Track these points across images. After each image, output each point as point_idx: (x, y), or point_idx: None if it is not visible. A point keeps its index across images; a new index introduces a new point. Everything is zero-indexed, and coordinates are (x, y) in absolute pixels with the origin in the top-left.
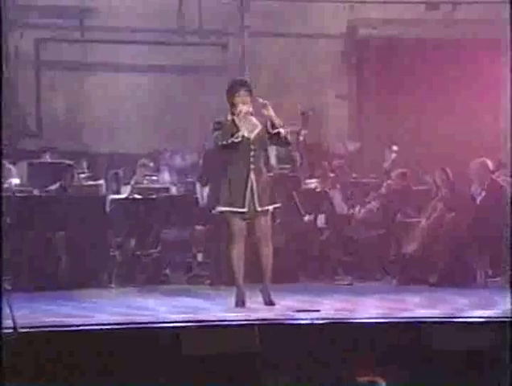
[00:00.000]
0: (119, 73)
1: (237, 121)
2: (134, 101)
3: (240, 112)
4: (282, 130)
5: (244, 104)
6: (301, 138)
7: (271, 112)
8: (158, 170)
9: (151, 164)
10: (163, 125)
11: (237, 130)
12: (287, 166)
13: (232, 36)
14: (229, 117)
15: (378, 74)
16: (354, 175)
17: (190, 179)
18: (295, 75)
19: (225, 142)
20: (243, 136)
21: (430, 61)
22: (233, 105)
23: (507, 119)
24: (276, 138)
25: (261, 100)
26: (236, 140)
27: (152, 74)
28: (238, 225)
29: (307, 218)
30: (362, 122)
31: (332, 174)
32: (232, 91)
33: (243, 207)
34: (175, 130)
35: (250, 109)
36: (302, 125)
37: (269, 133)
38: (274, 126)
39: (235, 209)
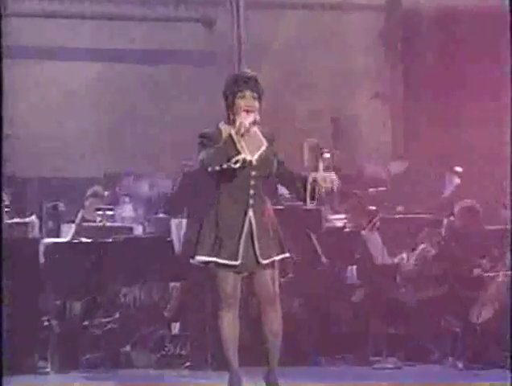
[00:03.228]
0: (56, 61)
1: (234, 136)
2: (80, 103)
3: (240, 126)
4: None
5: (248, 111)
6: (326, 156)
7: None
8: (116, 202)
9: (106, 193)
10: (122, 138)
11: (236, 151)
12: None
13: (221, 8)
14: (223, 127)
15: (433, 63)
16: (400, 209)
17: (162, 215)
18: (313, 66)
19: (217, 168)
20: (244, 160)
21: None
22: (231, 111)
23: None
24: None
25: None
26: (234, 165)
27: (107, 63)
28: (230, 283)
29: (331, 270)
30: (410, 133)
31: (367, 207)
32: (231, 90)
33: (235, 259)
34: (141, 145)
35: (257, 118)
36: (332, 136)
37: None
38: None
39: (224, 261)
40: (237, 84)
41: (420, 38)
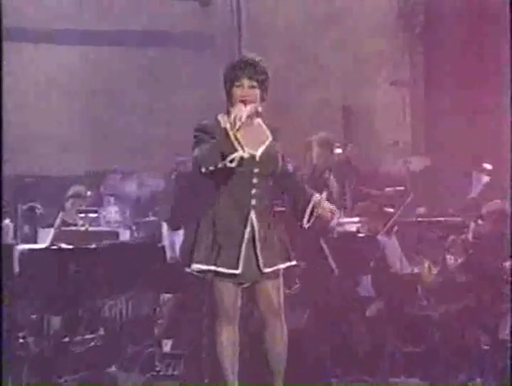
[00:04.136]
0: (33, 43)
1: (229, 130)
2: (60, 90)
3: (235, 119)
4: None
5: (245, 102)
6: (337, 151)
7: None
8: (100, 203)
9: (89, 193)
10: (108, 131)
11: (233, 148)
12: None
13: None
14: (223, 119)
15: (458, 48)
16: (421, 211)
17: (152, 218)
18: (323, 50)
19: (212, 168)
20: (242, 158)
21: None
22: (230, 102)
23: None
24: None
25: None
26: (230, 164)
27: (91, 46)
28: (230, 295)
29: (342, 281)
30: (432, 125)
31: (384, 210)
32: (229, 77)
33: (235, 267)
34: (129, 139)
35: (259, 109)
36: (344, 128)
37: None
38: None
39: (222, 269)
40: (234, 71)
41: (443, 19)
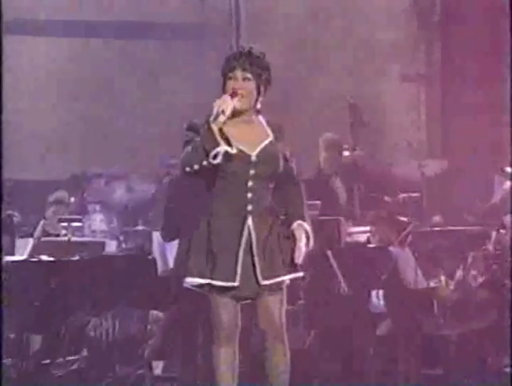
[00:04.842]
0: (15, 35)
1: (211, 123)
2: (42, 85)
3: (218, 111)
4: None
5: (236, 94)
6: (344, 153)
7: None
8: (84, 211)
9: (72, 199)
10: (94, 130)
11: (216, 143)
12: (317, 201)
13: None
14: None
15: (478, 39)
16: (437, 219)
17: (142, 227)
18: (328, 41)
19: (196, 166)
20: (227, 153)
21: None
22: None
23: None
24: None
25: None
26: (213, 161)
27: (79, 38)
28: (228, 311)
29: (351, 296)
30: (450, 125)
31: (397, 218)
32: (223, 70)
33: (233, 279)
34: (117, 139)
35: (258, 106)
36: (351, 128)
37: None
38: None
39: (219, 283)
40: (228, 63)
41: (463, 6)
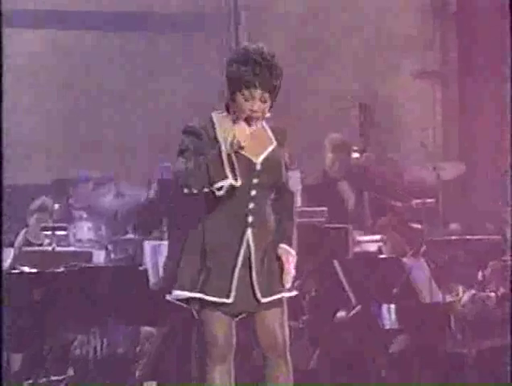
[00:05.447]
0: None
1: (223, 152)
2: (22, 81)
3: (232, 143)
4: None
5: (251, 119)
6: (354, 155)
7: None
8: (69, 219)
9: (56, 206)
10: (80, 131)
11: (224, 173)
12: (324, 208)
13: None
14: (219, 119)
15: (499, 32)
16: (454, 227)
17: (132, 236)
18: (336, 35)
19: (196, 191)
20: (232, 186)
21: None
22: (233, 107)
23: None
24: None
25: None
26: (218, 192)
27: (62, 30)
28: (221, 328)
29: (361, 311)
30: (468, 125)
31: (410, 226)
32: (235, 81)
33: (227, 296)
34: (105, 140)
35: (267, 115)
36: (360, 129)
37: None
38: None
39: (211, 298)
40: (245, 75)
41: None
